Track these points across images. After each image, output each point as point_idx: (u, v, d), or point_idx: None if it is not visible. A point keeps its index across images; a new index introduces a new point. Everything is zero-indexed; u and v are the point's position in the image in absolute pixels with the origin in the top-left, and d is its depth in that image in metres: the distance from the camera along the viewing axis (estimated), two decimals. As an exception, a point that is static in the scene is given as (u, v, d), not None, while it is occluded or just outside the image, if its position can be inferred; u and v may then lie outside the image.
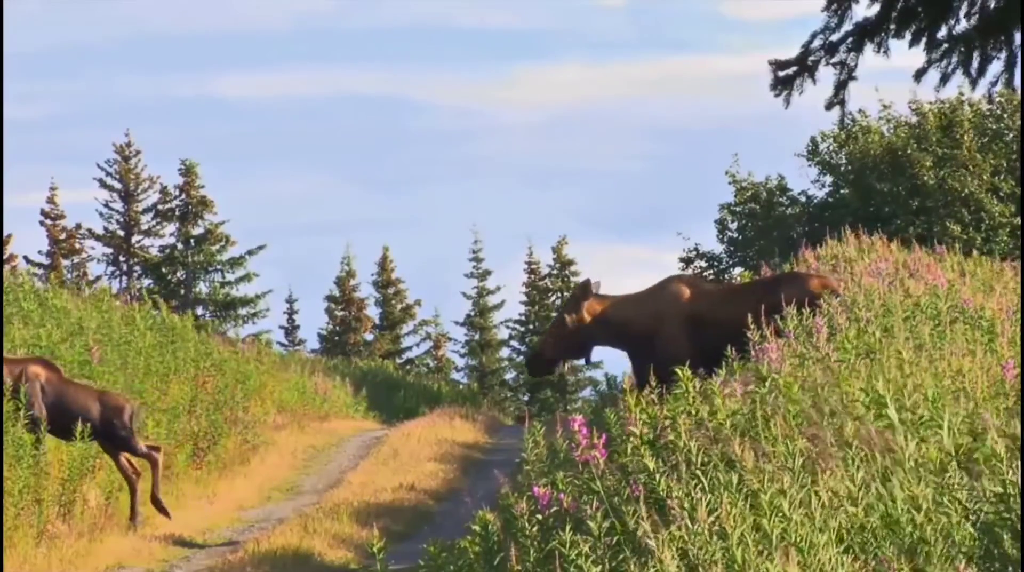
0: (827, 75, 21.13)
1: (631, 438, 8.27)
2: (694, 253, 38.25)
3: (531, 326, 51.82)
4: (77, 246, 48.78)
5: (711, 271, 37.93)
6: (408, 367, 51.22)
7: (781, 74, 21.16)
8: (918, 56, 20.47)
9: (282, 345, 50.54)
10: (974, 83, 20.60)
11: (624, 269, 68.42)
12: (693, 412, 8.62)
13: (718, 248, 38.10)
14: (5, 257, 43.06)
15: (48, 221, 48.79)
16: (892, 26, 20.46)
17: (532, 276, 52.63)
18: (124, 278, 48.69)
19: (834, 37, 20.92)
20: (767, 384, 9.07)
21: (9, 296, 21.98)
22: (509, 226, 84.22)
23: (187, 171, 48.63)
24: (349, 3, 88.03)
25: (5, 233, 44.13)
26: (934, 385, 9.21)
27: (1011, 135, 34.55)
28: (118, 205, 48.66)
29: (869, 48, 20.76)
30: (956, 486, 7.15)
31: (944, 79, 20.53)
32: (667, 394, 9.19)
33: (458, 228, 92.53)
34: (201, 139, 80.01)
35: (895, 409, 8.25)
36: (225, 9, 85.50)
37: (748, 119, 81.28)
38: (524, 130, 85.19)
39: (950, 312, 13.49)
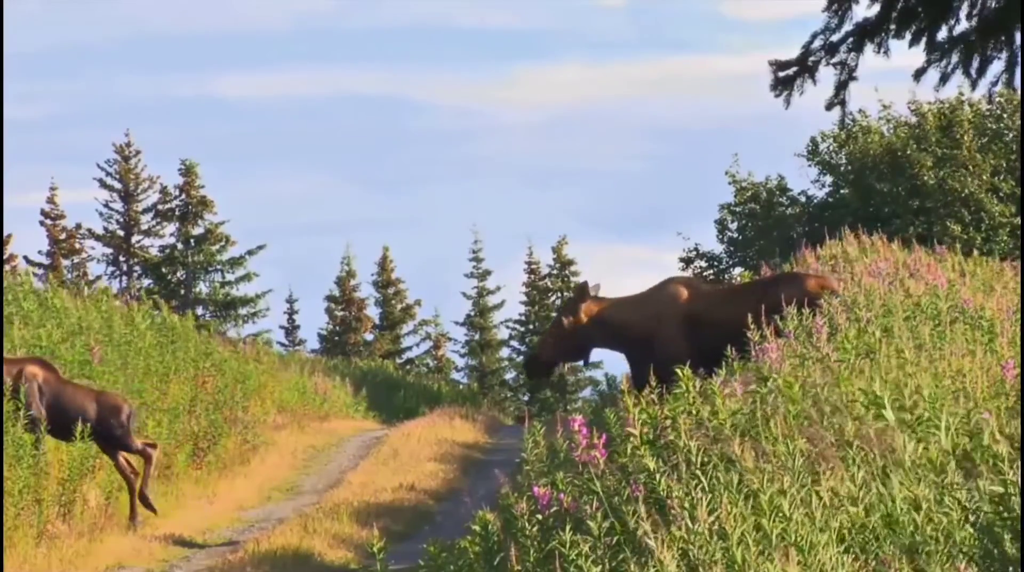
0: (827, 75, 21.14)
1: (631, 438, 8.27)
2: (694, 253, 38.25)
3: (531, 326, 51.83)
4: (77, 246, 48.79)
5: (711, 271, 37.93)
6: (408, 367, 51.22)
7: (781, 74, 21.16)
8: (918, 56, 20.48)
9: (282, 345, 50.59)
10: (974, 83, 20.61)
11: (624, 269, 68.43)
12: (694, 412, 8.62)
13: (718, 248, 38.13)
14: (5, 257, 43.07)
15: (48, 221, 48.81)
16: (892, 26, 20.46)
17: (532, 276, 52.64)
18: (124, 278, 48.71)
19: (834, 37, 20.92)
20: (768, 384, 9.07)
21: (9, 296, 21.97)
22: (509, 226, 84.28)
23: (187, 171, 48.63)
24: (349, 3, 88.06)
25: (5, 233, 44.19)
26: (934, 385, 9.21)
27: (1011, 135, 34.55)
28: (118, 205, 48.69)
29: (869, 48, 20.76)
30: (955, 486, 7.15)
31: (944, 79, 20.54)
32: (667, 394, 9.19)
33: (458, 228, 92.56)
34: (201, 139, 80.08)
35: (894, 409, 8.25)
36: (225, 9, 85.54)
37: (748, 119, 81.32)
38: (524, 130, 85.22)
39: (950, 312, 13.49)
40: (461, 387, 48.72)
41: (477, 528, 8.75)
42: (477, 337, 52.86)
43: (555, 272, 52.47)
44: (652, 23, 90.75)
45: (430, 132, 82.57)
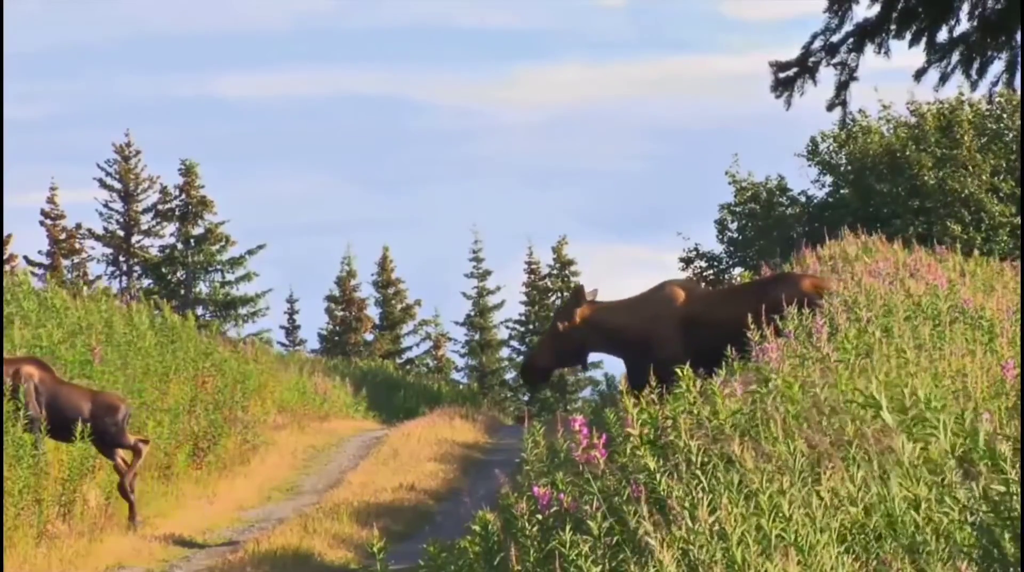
0: (827, 76, 21.14)
1: (630, 438, 8.27)
2: (694, 253, 38.24)
3: (531, 326, 51.83)
4: (77, 246, 48.79)
5: (711, 271, 37.94)
6: (408, 367, 51.22)
7: (782, 75, 21.16)
8: (918, 56, 20.49)
9: (283, 345, 50.62)
10: (974, 84, 20.61)
11: (624, 269, 68.40)
12: (694, 412, 8.62)
13: (718, 248, 38.13)
14: (5, 257, 43.08)
15: (48, 221, 48.81)
16: (892, 27, 20.46)
17: (532, 276, 52.64)
18: (124, 278, 48.71)
19: (835, 38, 20.92)
20: (768, 385, 9.07)
21: (9, 296, 21.98)
22: (509, 226, 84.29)
23: (187, 171, 48.64)
24: (349, 3, 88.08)
25: (5, 233, 44.20)
26: (933, 385, 9.21)
27: (1011, 135, 34.55)
28: (118, 205, 48.69)
29: (870, 49, 20.76)
30: (954, 486, 7.15)
31: (943, 79, 20.54)
32: (667, 394, 9.19)
33: (458, 228, 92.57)
34: (201, 139, 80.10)
35: (893, 409, 8.24)
36: (225, 9, 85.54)
37: (748, 119, 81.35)
38: (524, 130, 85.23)
39: (950, 312, 13.49)
40: (461, 387, 48.71)
41: (477, 528, 8.75)
42: (477, 337, 52.86)
43: (555, 272, 52.48)
44: (652, 23, 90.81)
45: (430, 132, 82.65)
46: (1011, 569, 6.69)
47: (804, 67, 21.09)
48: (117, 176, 48.55)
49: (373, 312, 53.01)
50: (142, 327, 23.28)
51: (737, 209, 37.32)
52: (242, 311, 48.04)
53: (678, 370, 8.99)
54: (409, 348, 53.30)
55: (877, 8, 20.58)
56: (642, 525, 6.99)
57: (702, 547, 6.71)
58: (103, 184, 48.58)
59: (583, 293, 17.54)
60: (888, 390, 8.51)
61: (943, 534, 6.88)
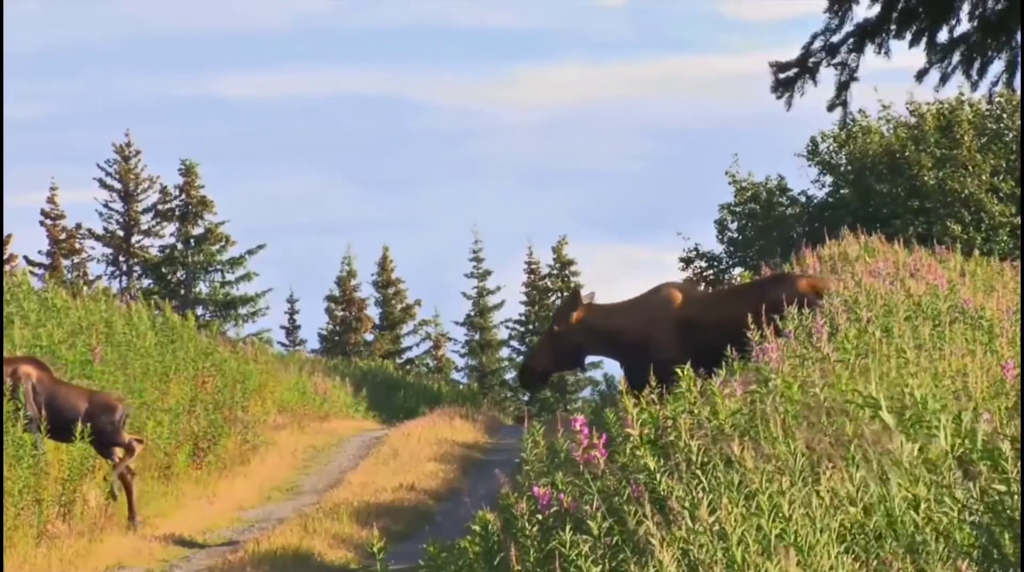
0: (827, 76, 21.13)
1: (630, 438, 8.27)
2: (694, 253, 38.24)
3: (531, 326, 51.84)
4: (77, 246, 48.79)
5: (711, 271, 37.94)
6: (408, 367, 51.22)
7: (782, 76, 21.15)
8: (918, 56, 20.48)
9: (283, 345, 50.62)
10: (975, 84, 20.60)
11: (624, 269, 68.39)
12: (695, 412, 8.62)
13: (718, 248, 38.13)
14: (5, 257, 43.08)
15: (48, 221, 48.81)
16: (893, 27, 20.45)
17: (532, 276, 52.64)
18: (124, 278, 48.72)
19: (835, 38, 20.91)
20: (768, 385, 9.07)
21: (8, 296, 21.97)
22: (509, 226, 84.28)
23: (187, 171, 48.65)
24: (349, 3, 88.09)
25: (5, 233, 44.20)
26: (933, 385, 9.22)
27: (1011, 135, 34.55)
28: (118, 205, 48.70)
29: (870, 49, 20.75)
30: (953, 485, 7.15)
31: (944, 79, 20.54)
32: (666, 395, 9.19)
33: (458, 228, 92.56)
34: (201, 139, 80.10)
35: (893, 410, 8.25)
36: (225, 9, 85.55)
37: (748, 119, 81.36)
38: (524, 130, 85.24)
39: (950, 312, 13.49)
40: (461, 387, 48.71)
41: (477, 528, 8.75)
42: (477, 337, 52.86)
43: (555, 272, 52.48)
44: (652, 23, 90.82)
45: (430, 132, 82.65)
46: (1011, 569, 6.69)
47: (804, 67, 21.08)
48: (117, 176, 48.56)
49: (373, 312, 53.05)
50: (142, 327, 23.28)
51: (737, 209, 37.32)
52: (242, 311, 48.06)
53: (679, 370, 8.99)
54: (409, 348, 53.31)
55: (877, 8, 20.57)
56: (645, 524, 6.99)
57: (702, 547, 6.71)
58: (103, 184, 48.61)
59: (579, 296, 17.55)
60: (888, 390, 8.51)
61: (943, 534, 6.88)
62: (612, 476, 8.17)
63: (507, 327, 52.95)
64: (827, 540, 6.72)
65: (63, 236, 48.68)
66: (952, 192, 33.79)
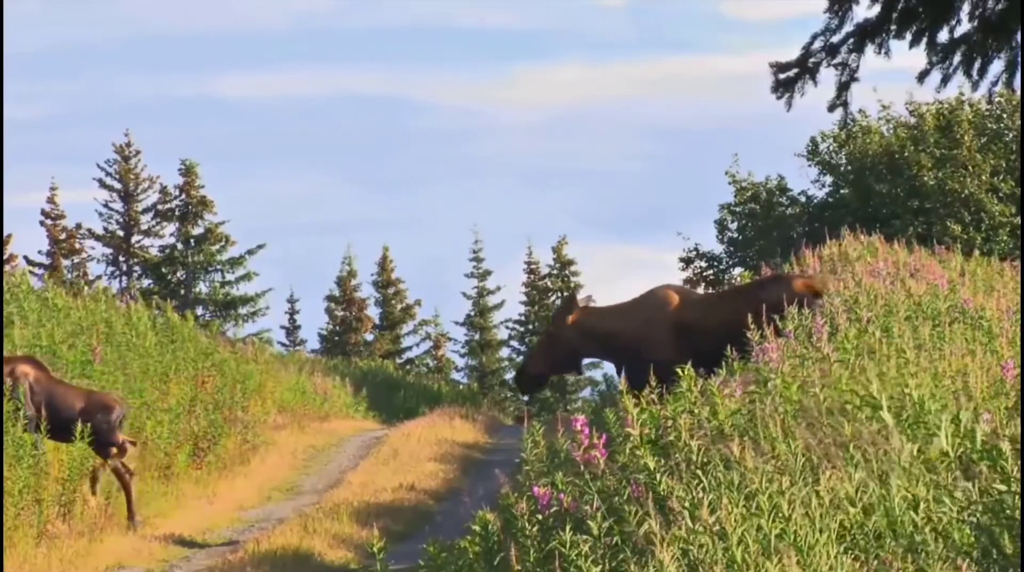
0: (828, 76, 21.13)
1: (630, 438, 8.27)
2: (694, 253, 38.25)
3: (531, 326, 51.83)
4: (77, 246, 48.79)
5: (711, 271, 37.94)
6: (408, 367, 51.21)
7: (782, 76, 21.14)
8: (917, 56, 20.48)
9: (283, 345, 50.60)
10: (975, 84, 20.60)
11: (624, 269, 68.38)
12: (695, 412, 8.62)
13: (718, 248, 38.14)
14: (5, 257, 43.08)
15: (48, 221, 48.81)
16: (893, 27, 20.45)
17: (532, 276, 52.63)
18: (124, 278, 48.71)
19: (835, 38, 20.91)
20: (768, 385, 9.07)
21: (9, 296, 21.97)
22: (509, 226, 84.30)
23: (187, 171, 48.65)
24: (349, 3, 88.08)
25: (5, 233, 44.20)
26: (933, 385, 9.22)
27: (1011, 135, 34.56)
28: (118, 205, 48.70)
29: (870, 49, 20.75)
30: (953, 485, 7.15)
31: (945, 80, 20.54)
32: (666, 395, 9.19)
33: (458, 228, 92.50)
34: (201, 139, 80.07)
35: (892, 410, 8.25)
36: (225, 9, 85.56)
37: (748, 119, 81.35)
38: (524, 130, 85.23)
39: (950, 312, 13.49)
40: (461, 387, 48.70)
41: (477, 528, 8.75)
42: (477, 337, 52.86)
43: (555, 272, 52.48)
44: (652, 23, 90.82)
45: (430, 132, 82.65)
46: (1011, 569, 6.69)
47: (804, 68, 21.07)
48: (117, 176, 48.55)
49: (373, 312, 53.03)
50: (142, 327, 23.27)
51: (737, 209, 37.33)
52: (242, 311, 48.05)
53: (679, 370, 9.00)
54: (409, 348, 53.31)
55: (877, 8, 20.57)
56: (648, 523, 6.99)
57: (702, 547, 6.71)
58: (103, 184, 48.60)
59: (575, 299, 17.57)
60: (888, 390, 8.51)
61: (942, 534, 6.88)
62: (612, 476, 8.18)
63: (507, 327, 52.99)
64: (827, 540, 6.72)
65: (63, 236, 48.68)
66: (952, 192, 33.79)
